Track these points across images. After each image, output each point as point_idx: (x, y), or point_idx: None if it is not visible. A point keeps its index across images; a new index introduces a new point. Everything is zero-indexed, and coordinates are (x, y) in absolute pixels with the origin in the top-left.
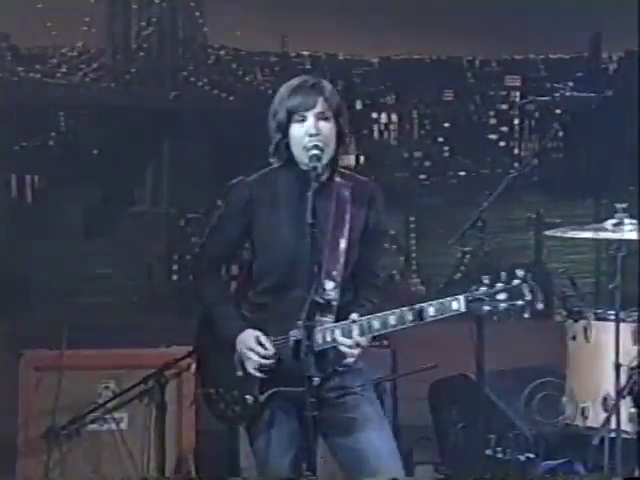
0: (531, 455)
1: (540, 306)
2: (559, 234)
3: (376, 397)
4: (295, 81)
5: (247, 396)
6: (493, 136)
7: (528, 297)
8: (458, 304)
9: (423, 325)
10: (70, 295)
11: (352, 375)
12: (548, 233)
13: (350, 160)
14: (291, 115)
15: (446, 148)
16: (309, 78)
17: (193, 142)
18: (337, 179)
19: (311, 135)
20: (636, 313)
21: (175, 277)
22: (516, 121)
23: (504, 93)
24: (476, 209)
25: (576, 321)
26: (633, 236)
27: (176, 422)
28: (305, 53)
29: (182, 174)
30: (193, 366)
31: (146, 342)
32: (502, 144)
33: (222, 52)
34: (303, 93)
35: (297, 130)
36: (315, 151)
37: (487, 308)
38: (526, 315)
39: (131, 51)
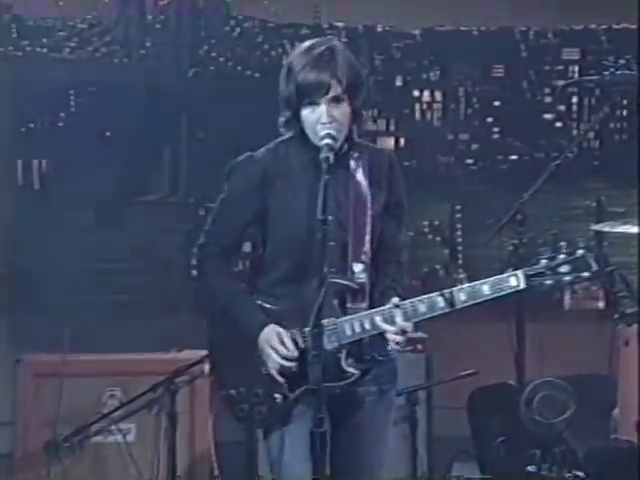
0: (580, 473)
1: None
2: (607, 229)
3: (394, 399)
4: (306, 50)
5: (276, 395)
6: (548, 116)
7: (595, 267)
8: (517, 280)
9: (461, 327)
10: (75, 292)
11: (386, 366)
12: (595, 228)
13: (389, 142)
14: (301, 98)
15: (496, 129)
16: (321, 44)
17: (214, 124)
18: (353, 153)
19: (323, 123)
20: None
21: (194, 272)
22: (574, 99)
23: (561, 68)
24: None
25: (629, 325)
26: None
27: (188, 434)
28: (340, 25)
29: (202, 159)
30: (206, 367)
31: (160, 345)
32: (558, 125)
33: (247, 24)
34: (315, 71)
35: (308, 115)
36: (328, 140)
37: (549, 282)
38: (594, 288)
39: (146, 23)
